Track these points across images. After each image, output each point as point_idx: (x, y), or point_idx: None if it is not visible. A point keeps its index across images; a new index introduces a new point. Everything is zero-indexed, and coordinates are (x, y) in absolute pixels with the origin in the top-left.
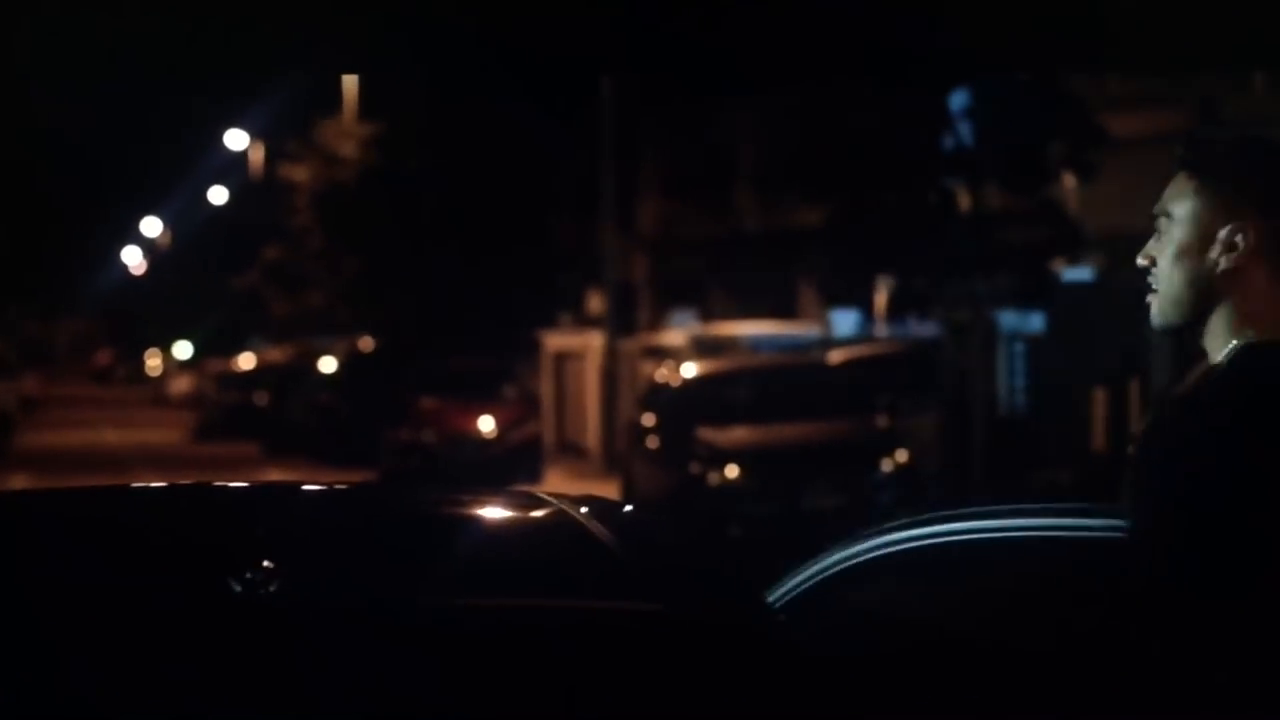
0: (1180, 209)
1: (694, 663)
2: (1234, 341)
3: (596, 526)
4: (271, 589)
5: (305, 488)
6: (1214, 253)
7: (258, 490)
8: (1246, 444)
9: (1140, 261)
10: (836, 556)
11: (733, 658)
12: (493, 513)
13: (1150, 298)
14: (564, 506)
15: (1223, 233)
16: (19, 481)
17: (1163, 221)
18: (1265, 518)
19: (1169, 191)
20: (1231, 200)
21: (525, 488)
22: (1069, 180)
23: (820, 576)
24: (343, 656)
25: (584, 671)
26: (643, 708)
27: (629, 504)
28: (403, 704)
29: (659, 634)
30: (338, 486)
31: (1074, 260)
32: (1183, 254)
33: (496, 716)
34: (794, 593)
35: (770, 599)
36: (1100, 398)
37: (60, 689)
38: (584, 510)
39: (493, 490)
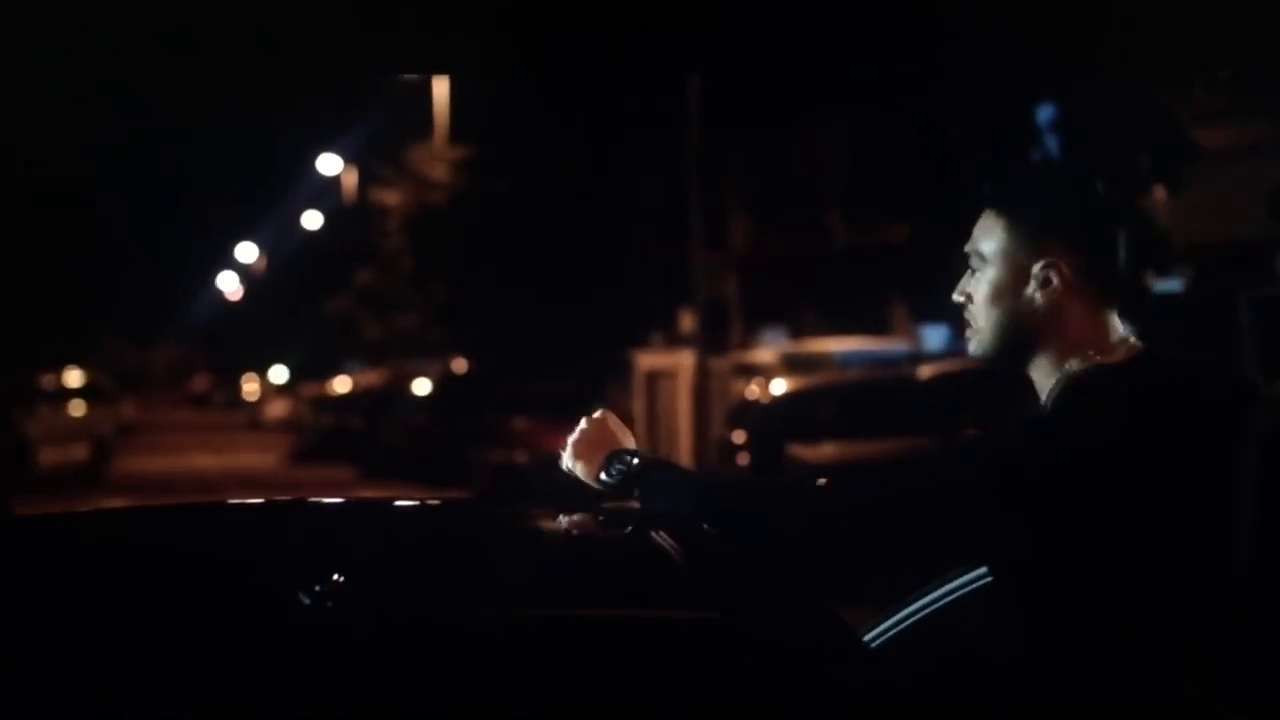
0: (989, 247)
1: (747, 673)
2: (1059, 371)
3: (667, 540)
4: (338, 601)
5: (391, 504)
6: (1029, 289)
7: (345, 506)
8: (1073, 470)
9: (956, 298)
10: (941, 590)
11: (786, 669)
12: (562, 527)
13: (969, 333)
14: (636, 521)
15: (1036, 269)
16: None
17: (975, 260)
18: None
19: (978, 229)
20: (1039, 236)
21: (613, 505)
22: (1158, 192)
23: (926, 610)
24: (402, 667)
25: (641, 679)
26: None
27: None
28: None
29: (715, 644)
30: (424, 503)
31: (1163, 272)
32: (999, 293)
33: None
34: (900, 626)
35: (874, 633)
36: None
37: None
38: (656, 525)
39: (567, 506)
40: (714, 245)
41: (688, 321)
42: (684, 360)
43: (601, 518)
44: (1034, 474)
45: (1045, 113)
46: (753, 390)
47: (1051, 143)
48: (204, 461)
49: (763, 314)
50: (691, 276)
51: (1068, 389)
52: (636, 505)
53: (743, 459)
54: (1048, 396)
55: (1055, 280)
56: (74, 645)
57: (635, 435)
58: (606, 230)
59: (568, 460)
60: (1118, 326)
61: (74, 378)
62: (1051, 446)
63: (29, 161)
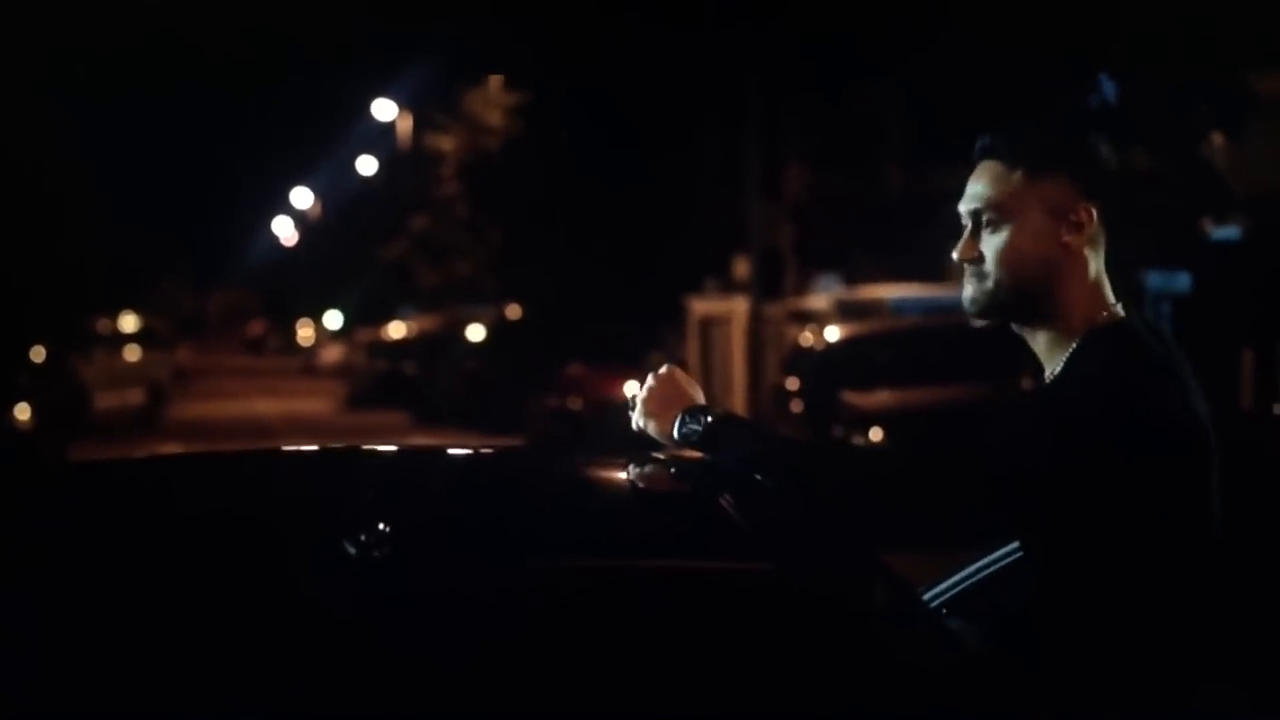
0: (1007, 199)
1: (802, 625)
2: (1068, 330)
3: (720, 490)
4: (385, 550)
5: (445, 452)
6: (1060, 235)
7: (400, 454)
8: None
9: (958, 257)
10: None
11: (839, 622)
12: (613, 476)
13: (971, 293)
14: (693, 471)
15: (1078, 213)
16: (170, 451)
17: (989, 214)
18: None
19: (984, 186)
20: (1072, 183)
21: (663, 453)
22: (1216, 139)
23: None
24: (447, 616)
25: (694, 631)
26: (746, 667)
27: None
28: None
29: (769, 595)
30: (478, 450)
31: (1221, 220)
32: (1022, 244)
33: (597, 676)
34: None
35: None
36: (1248, 358)
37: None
38: (710, 475)
39: (619, 454)
40: (769, 193)
41: (742, 268)
42: (738, 307)
43: (673, 469)
44: (1097, 429)
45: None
46: (806, 337)
47: (1108, 89)
48: (259, 407)
49: (817, 260)
50: (746, 223)
51: (1095, 343)
52: (699, 456)
53: (796, 406)
54: (1070, 354)
55: (1087, 224)
56: (129, 592)
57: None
58: (662, 176)
59: (639, 418)
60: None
61: (130, 323)
62: (1108, 403)
63: (88, 110)
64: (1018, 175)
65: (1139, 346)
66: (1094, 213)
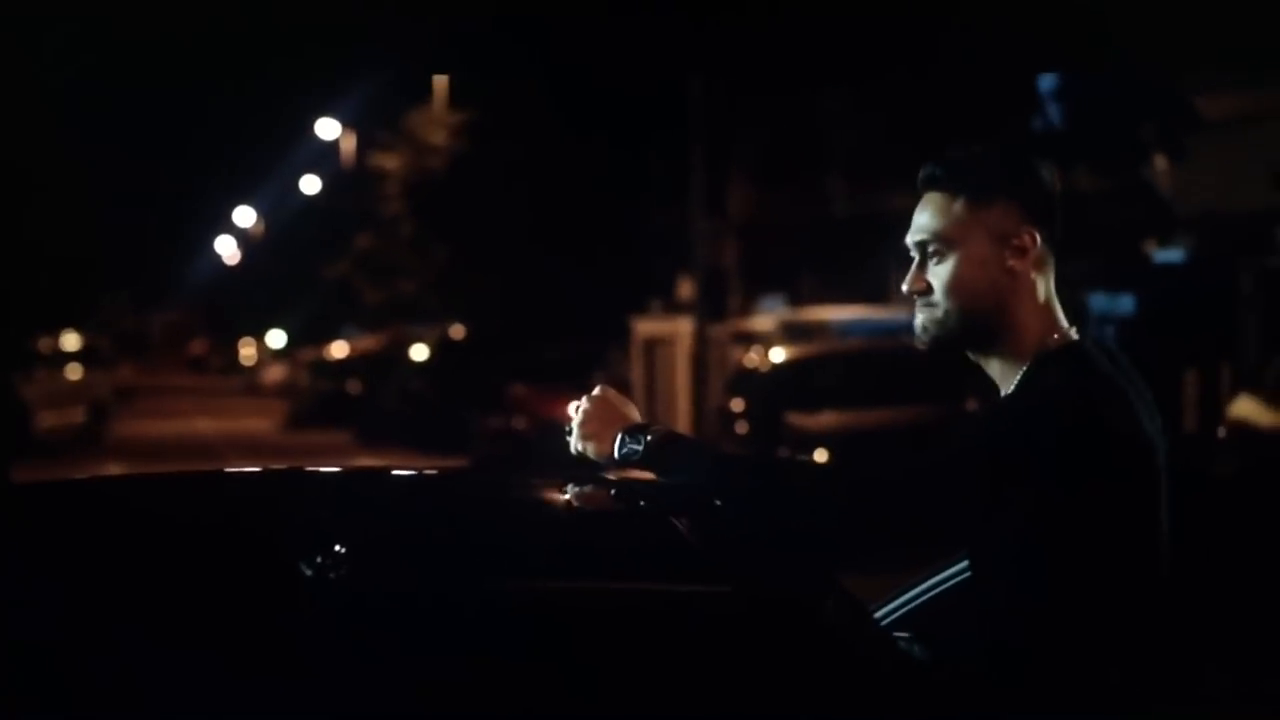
0: (951, 229)
1: (760, 644)
2: (1021, 354)
3: (669, 509)
4: (340, 573)
5: (390, 473)
6: (1005, 261)
7: (344, 476)
8: (1085, 440)
9: (908, 290)
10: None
11: (796, 640)
12: (566, 498)
13: (922, 323)
14: (639, 491)
15: (1021, 239)
16: (113, 470)
17: (935, 246)
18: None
19: (929, 217)
20: (1015, 210)
21: (609, 474)
22: (1160, 161)
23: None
24: (403, 639)
25: (651, 652)
26: (707, 687)
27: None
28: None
29: (726, 616)
30: (422, 472)
31: (1165, 242)
32: (968, 273)
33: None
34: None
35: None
36: (1191, 379)
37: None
38: (659, 495)
39: (570, 476)
40: (714, 212)
41: (686, 288)
42: (682, 327)
43: (613, 490)
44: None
45: (1048, 81)
46: (751, 358)
47: (1054, 111)
48: (201, 426)
49: (762, 281)
50: (691, 243)
51: (1047, 365)
52: (643, 476)
53: (741, 427)
54: (1022, 375)
55: (1031, 248)
56: (72, 616)
57: (633, 403)
58: (606, 196)
59: (576, 442)
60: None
61: (71, 341)
62: (1058, 421)
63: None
64: (960, 204)
65: (1089, 367)
66: (1038, 237)
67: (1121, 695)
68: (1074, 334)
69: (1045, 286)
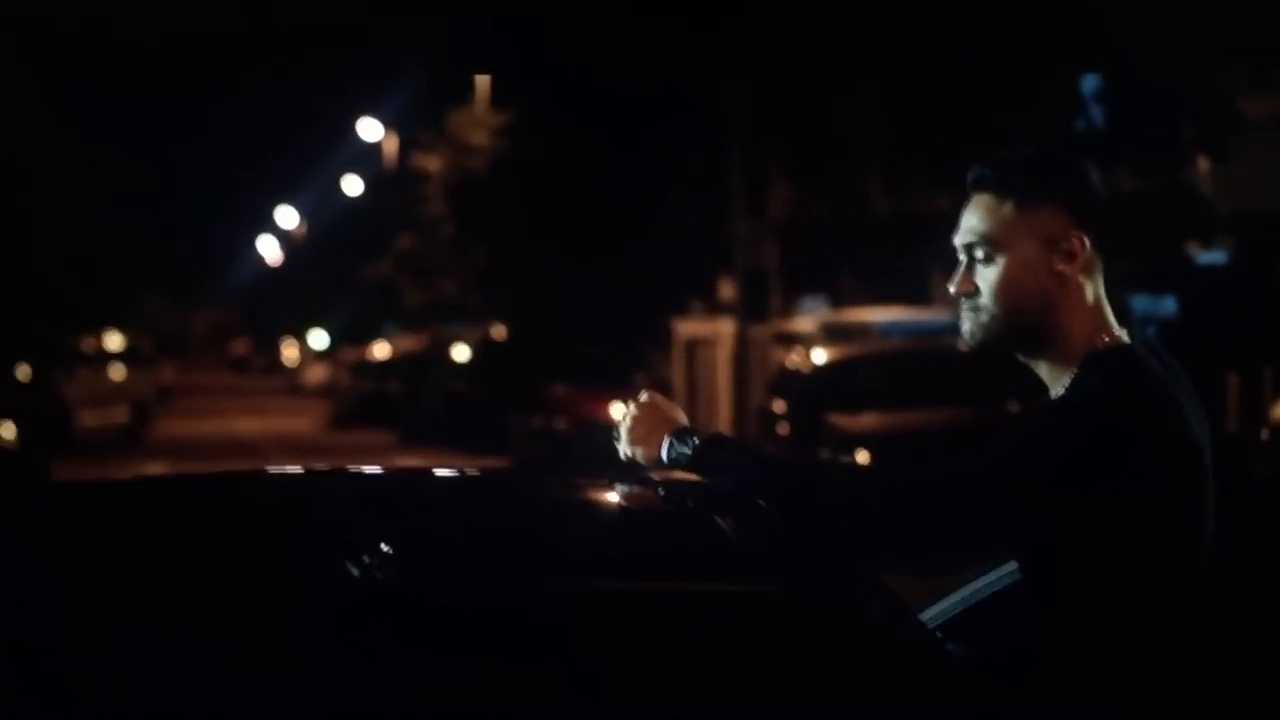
0: (1001, 231)
1: (805, 644)
2: (1069, 356)
3: (715, 510)
4: (388, 573)
5: (434, 473)
6: (1054, 264)
7: (387, 476)
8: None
9: (955, 291)
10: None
11: (842, 641)
12: (610, 498)
13: (969, 325)
14: (684, 492)
15: (1070, 242)
16: (155, 469)
17: (982, 248)
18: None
19: (977, 219)
20: (1064, 213)
21: (652, 474)
22: (1202, 162)
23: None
24: (447, 640)
25: (694, 652)
26: (751, 686)
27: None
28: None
29: (769, 617)
30: (465, 473)
31: (1207, 243)
32: (1017, 276)
33: (602, 698)
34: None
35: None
36: (1234, 382)
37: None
38: (702, 495)
39: (615, 476)
40: (754, 213)
41: (727, 289)
42: (723, 328)
43: (659, 490)
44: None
45: (1090, 82)
46: (793, 359)
47: (1096, 113)
48: (243, 426)
49: (802, 282)
50: (731, 244)
51: (1095, 367)
52: (691, 477)
53: (782, 428)
54: (1071, 379)
55: (1079, 252)
56: (115, 616)
57: (675, 403)
58: (647, 197)
59: (625, 447)
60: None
61: (114, 341)
62: (1100, 424)
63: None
64: (1009, 207)
65: (1137, 369)
66: (1086, 240)
67: (1155, 697)
68: (1124, 337)
69: (1094, 289)
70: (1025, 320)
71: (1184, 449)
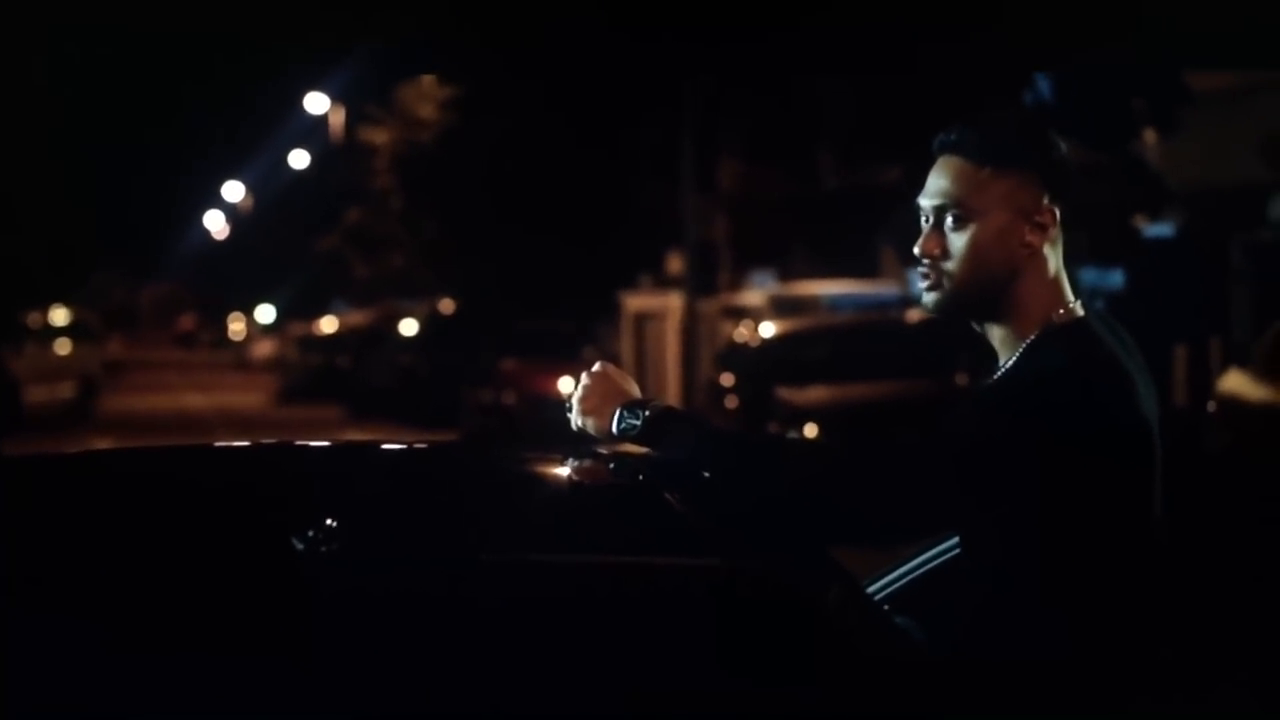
0: (975, 196)
1: (751, 618)
2: (1024, 327)
3: (663, 485)
4: (333, 546)
5: (380, 447)
6: (1024, 235)
7: (332, 449)
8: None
9: (918, 251)
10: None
11: (792, 616)
12: (558, 471)
13: (929, 288)
14: (631, 465)
15: (1034, 215)
16: (103, 444)
17: (954, 212)
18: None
19: (950, 182)
20: (1035, 183)
21: (599, 448)
22: (1150, 136)
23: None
24: (397, 612)
25: (643, 627)
26: (700, 662)
27: None
28: (457, 659)
29: (718, 589)
30: (413, 446)
31: (1155, 217)
32: (988, 243)
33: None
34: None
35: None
36: (1181, 355)
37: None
38: (650, 468)
39: (562, 450)
40: (703, 187)
41: (676, 263)
42: (672, 302)
43: (611, 464)
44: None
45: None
46: (741, 333)
47: (1043, 86)
48: (191, 400)
49: (752, 256)
50: (681, 218)
51: (1048, 342)
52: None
53: (731, 402)
54: (1022, 350)
55: (1051, 225)
56: (63, 591)
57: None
58: (596, 171)
59: (576, 417)
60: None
61: (60, 316)
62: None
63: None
64: (985, 172)
65: (1091, 346)
66: (1057, 213)
67: (1115, 679)
68: (1079, 309)
69: (1055, 262)
70: (988, 288)
71: (1133, 427)
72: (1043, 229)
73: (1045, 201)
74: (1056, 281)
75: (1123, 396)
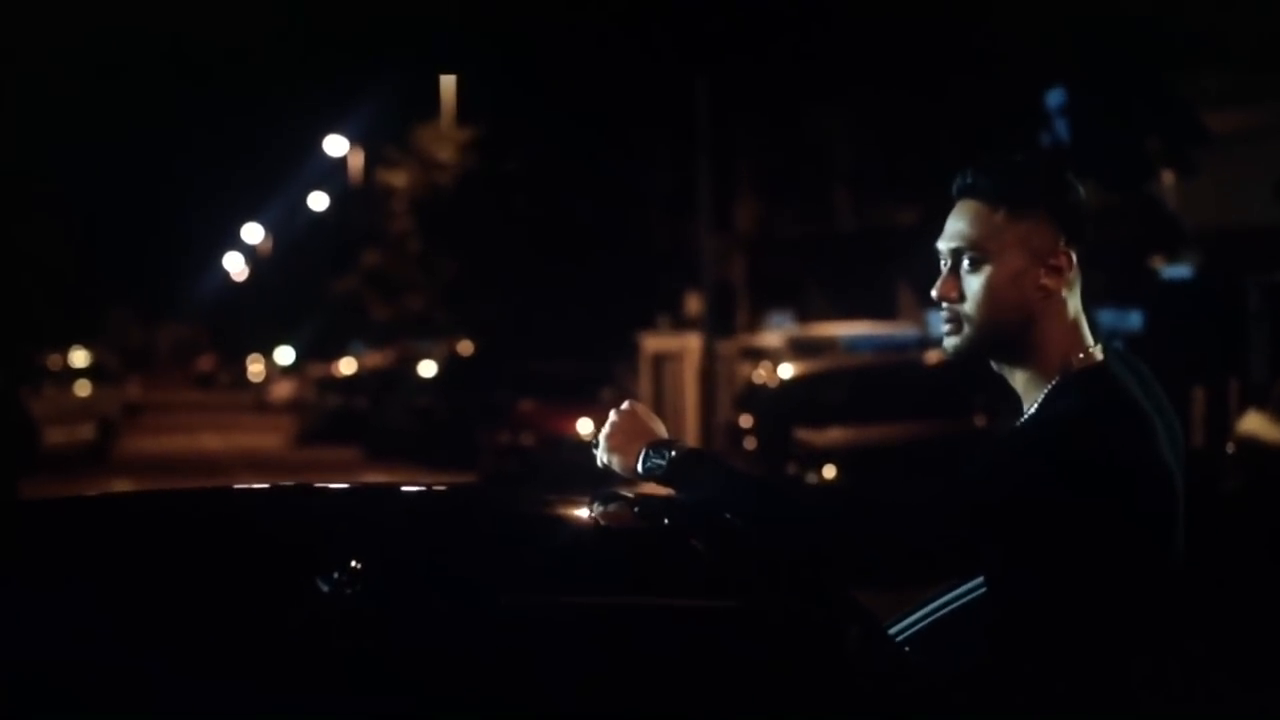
0: (990, 239)
1: (771, 658)
2: (1045, 370)
3: (688, 528)
4: (357, 589)
5: (401, 489)
6: (1039, 279)
7: (353, 491)
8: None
9: (936, 294)
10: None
11: (808, 654)
12: (579, 513)
13: (949, 332)
14: (649, 506)
15: (1049, 259)
16: (121, 486)
17: (970, 254)
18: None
19: (966, 224)
20: (1051, 226)
21: (618, 489)
22: (1167, 177)
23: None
24: (422, 653)
25: (664, 667)
26: (723, 703)
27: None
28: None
29: (737, 630)
30: (433, 488)
31: (1172, 258)
32: (1003, 286)
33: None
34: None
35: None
36: (1200, 396)
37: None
38: (673, 510)
39: (582, 491)
40: (721, 227)
41: (694, 304)
42: (690, 343)
43: (636, 507)
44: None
45: (1055, 97)
46: (759, 374)
47: (1061, 127)
48: (210, 442)
49: (769, 297)
50: (698, 259)
51: (1069, 388)
52: (667, 492)
53: (750, 443)
54: (1044, 396)
55: (1067, 268)
56: (81, 634)
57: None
58: (614, 212)
59: (602, 454)
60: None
61: (80, 358)
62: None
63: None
64: (1000, 215)
65: (1112, 391)
66: (1073, 257)
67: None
68: (1099, 353)
69: (1074, 305)
70: (1006, 331)
71: (1152, 471)
72: (1058, 272)
73: (1061, 244)
74: (1075, 325)
75: (1141, 441)
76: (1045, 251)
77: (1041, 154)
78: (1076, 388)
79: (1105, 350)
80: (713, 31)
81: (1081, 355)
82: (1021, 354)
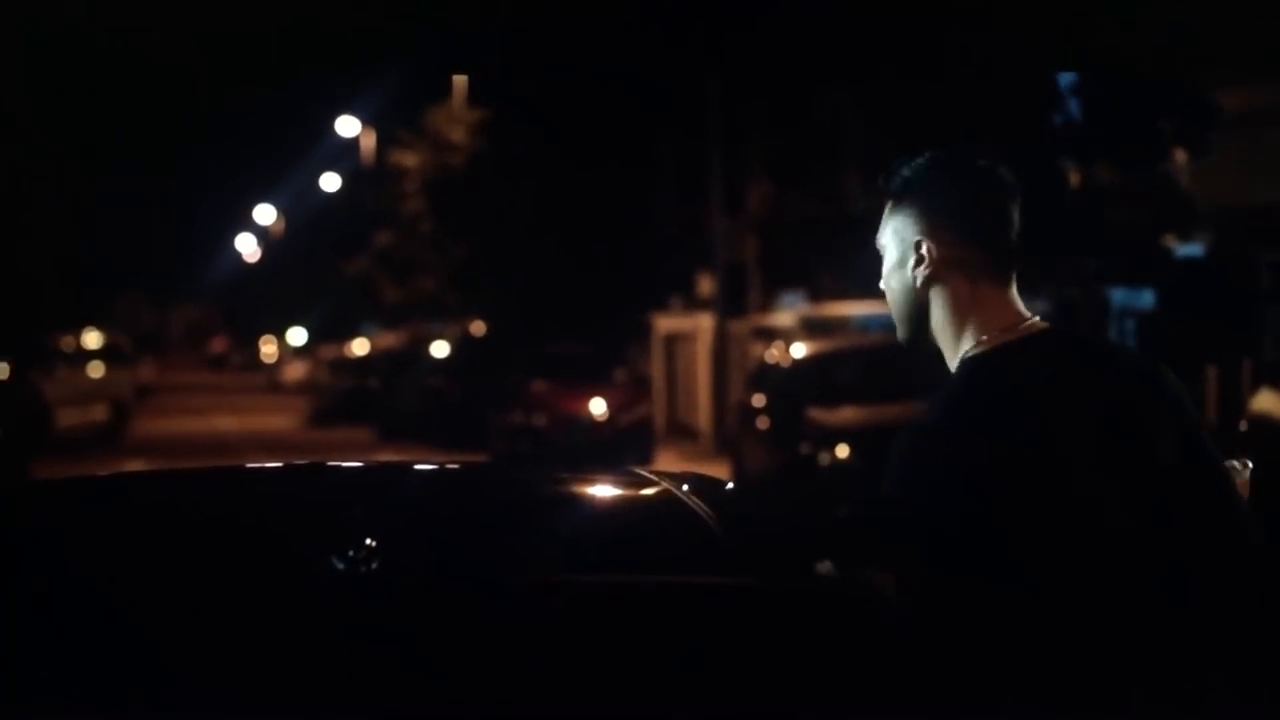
0: (884, 233)
1: (784, 634)
2: (962, 350)
3: (696, 503)
4: (373, 566)
5: (415, 468)
6: (910, 267)
7: (368, 470)
8: (969, 447)
9: (882, 286)
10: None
11: (822, 629)
12: (594, 491)
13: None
14: (664, 484)
15: (919, 247)
16: (134, 467)
17: (881, 249)
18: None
19: (881, 222)
20: (913, 214)
21: (631, 467)
22: (1180, 156)
23: None
24: (438, 630)
25: (677, 643)
26: (733, 678)
27: (730, 482)
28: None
29: (751, 607)
30: (446, 467)
31: (1185, 236)
32: (892, 275)
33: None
34: None
35: None
36: (1212, 374)
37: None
38: (685, 488)
39: (596, 470)
40: (733, 209)
41: (706, 285)
42: (703, 323)
43: (649, 484)
44: (953, 467)
45: (1067, 77)
46: (772, 354)
47: (1074, 107)
48: (222, 423)
49: (781, 277)
50: (710, 240)
51: (958, 374)
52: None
53: (762, 423)
54: (951, 379)
55: (927, 255)
56: (95, 612)
57: (654, 398)
58: (626, 193)
59: None
60: (1018, 307)
61: (92, 339)
62: (956, 436)
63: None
64: (888, 208)
65: (992, 378)
66: (933, 246)
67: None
68: (1006, 336)
69: (969, 289)
70: (909, 319)
71: (1021, 453)
72: (928, 249)
73: (922, 235)
74: (973, 308)
75: (1022, 431)
76: (910, 241)
77: (946, 149)
78: (959, 378)
79: (1039, 330)
80: (724, 12)
81: (985, 338)
82: (936, 341)
